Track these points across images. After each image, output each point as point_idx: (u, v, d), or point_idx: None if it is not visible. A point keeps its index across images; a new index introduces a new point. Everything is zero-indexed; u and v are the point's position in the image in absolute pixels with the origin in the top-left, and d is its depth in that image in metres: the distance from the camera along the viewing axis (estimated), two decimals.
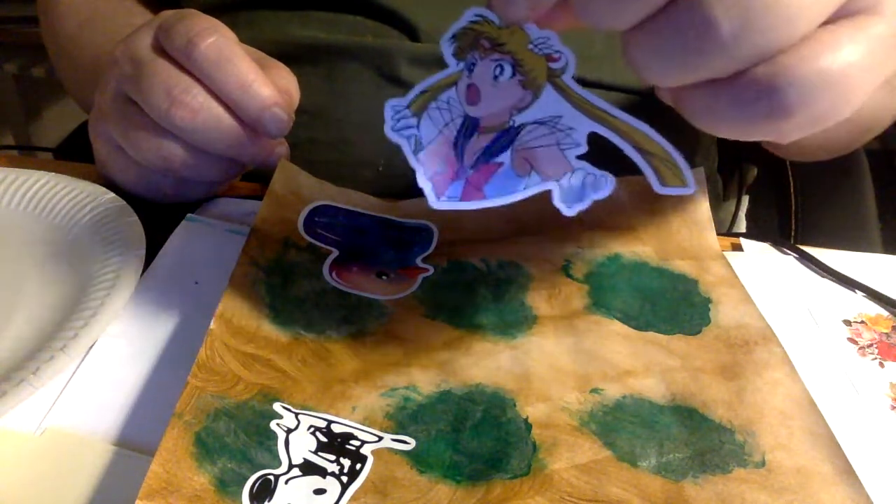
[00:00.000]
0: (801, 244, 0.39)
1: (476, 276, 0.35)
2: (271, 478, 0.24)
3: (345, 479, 0.25)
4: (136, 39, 0.36)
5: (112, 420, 0.27)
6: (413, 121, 0.25)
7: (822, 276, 0.37)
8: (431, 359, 0.30)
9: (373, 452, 0.26)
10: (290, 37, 0.45)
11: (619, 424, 0.27)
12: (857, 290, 0.36)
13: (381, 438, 0.26)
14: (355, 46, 0.44)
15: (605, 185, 0.24)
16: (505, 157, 0.25)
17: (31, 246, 0.36)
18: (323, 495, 0.24)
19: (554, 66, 0.24)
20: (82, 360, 0.29)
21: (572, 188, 0.24)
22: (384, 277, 0.35)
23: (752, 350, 0.30)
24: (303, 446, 0.25)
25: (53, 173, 0.40)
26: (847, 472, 0.25)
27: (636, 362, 0.30)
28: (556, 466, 0.25)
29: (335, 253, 0.35)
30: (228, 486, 0.24)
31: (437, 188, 0.25)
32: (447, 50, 0.24)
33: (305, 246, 0.35)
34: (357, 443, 0.26)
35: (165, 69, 0.34)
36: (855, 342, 0.33)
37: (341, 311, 0.32)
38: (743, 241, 0.40)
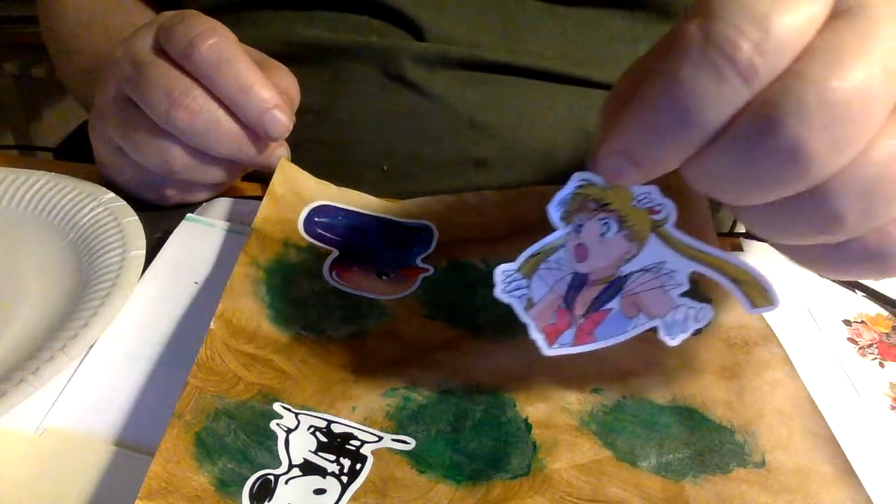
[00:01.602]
0: None
1: (476, 276, 0.35)
2: (271, 478, 0.24)
3: (345, 479, 0.25)
4: (136, 40, 0.36)
5: (112, 420, 0.27)
6: (524, 282, 0.26)
7: (822, 276, 0.37)
8: (431, 359, 0.30)
9: (373, 452, 0.26)
10: (294, 36, 0.45)
11: (619, 424, 0.27)
12: (857, 290, 0.36)
13: (381, 438, 0.26)
14: (360, 46, 0.44)
15: (706, 316, 0.26)
16: (614, 304, 0.27)
17: (31, 246, 0.36)
18: (323, 495, 0.24)
19: (656, 217, 0.25)
20: (82, 360, 0.29)
21: (676, 322, 0.26)
22: (384, 277, 0.35)
23: (752, 350, 0.30)
24: (303, 446, 0.25)
25: (53, 173, 0.40)
26: (847, 472, 0.25)
27: (636, 362, 0.30)
28: (555, 466, 0.25)
29: (335, 253, 0.35)
30: (228, 486, 0.24)
31: (549, 338, 0.27)
32: (555, 215, 0.26)
33: (305, 246, 0.35)
34: (357, 443, 0.26)
35: (165, 71, 0.34)
36: (855, 342, 0.33)
37: (341, 311, 0.32)
38: (743, 241, 0.40)
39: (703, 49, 0.19)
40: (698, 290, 0.34)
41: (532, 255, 0.26)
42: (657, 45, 0.24)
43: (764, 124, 0.19)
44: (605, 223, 0.26)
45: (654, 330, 0.26)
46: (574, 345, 0.27)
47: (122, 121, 0.36)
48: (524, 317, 0.26)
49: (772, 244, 0.26)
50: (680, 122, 0.20)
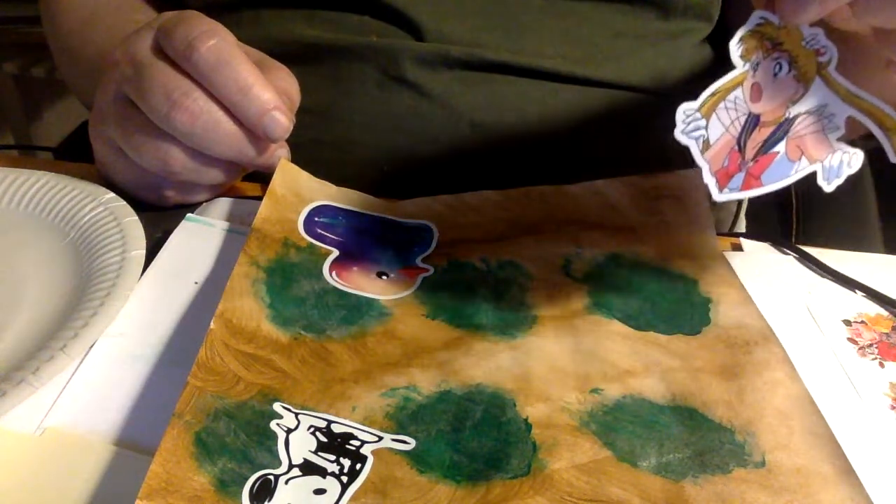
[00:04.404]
0: (802, 244, 0.39)
1: (476, 276, 0.35)
2: (271, 478, 0.24)
3: (345, 479, 0.25)
4: (136, 41, 0.36)
5: (112, 420, 0.27)
6: (702, 122, 0.27)
7: (822, 276, 0.37)
8: (431, 359, 0.30)
9: (373, 452, 0.26)
10: (295, 36, 0.45)
11: (619, 424, 0.27)
12: (857, 290, 0.36)
13: (381, 438, 0.26)
14: (360, 46, 0.44)
15: (857, 161, 0.28)
16: (780, 147, 0.28)
17: (31, 246, 0.36)
18: (323, 495, 0.24)
19: (822, 59, 0.27)
20: (82, 360, 0.29)
21: (832, 167, 0.28)
22: (384, 277, 0.35)
23: (752, 350, 0.30)
24: (303, 446, 0.25)
25: (53, 173, 0.40)
26: (847, 472, 0.25)
27: (636, 362, 0.30)
28: (556, 466, 0.25)
29: (335, 253, 0.35)
30: (228, 486, 0.24)
31: (720, 182, 0.27)
32: (735, 52, 0.27)
33: (305, 246, 0.35)
34: (357, 443, 0.26)
35: (165, 72, 0.34)
36: (855, 342, 0.33)
37: (341, 311, 0.32)
38: (743, 241, 0.40)
39: None
40: (698, 289, 0.34)
41: (712, 94, 0.27)
42: None
43: None
44: (778, 63, 0.27)
45: (813, 175, 0.27)
46: (742, 189, 0.27)
47: (122, 122, 0.36)
48: (700, 160, 0.27)
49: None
50: None
